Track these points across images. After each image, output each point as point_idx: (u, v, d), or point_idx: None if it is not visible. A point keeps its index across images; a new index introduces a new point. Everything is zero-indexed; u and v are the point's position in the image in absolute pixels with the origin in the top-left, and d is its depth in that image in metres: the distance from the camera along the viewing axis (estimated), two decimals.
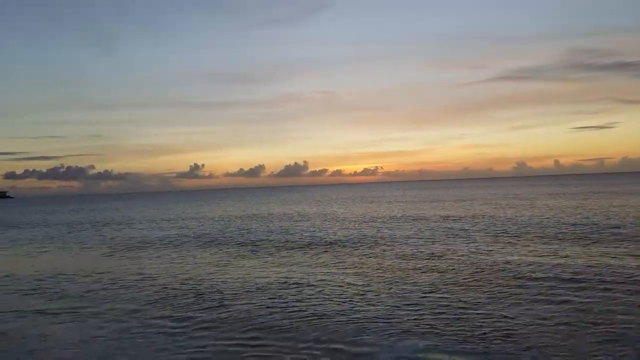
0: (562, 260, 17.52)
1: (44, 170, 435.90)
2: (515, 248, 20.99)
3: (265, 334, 10.57)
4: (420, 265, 17.75)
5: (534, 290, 13.36)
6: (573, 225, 28.51)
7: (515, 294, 13.05)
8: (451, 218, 37.52)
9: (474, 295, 13.12)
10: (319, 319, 11.47)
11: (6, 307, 13.93)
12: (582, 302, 11.96)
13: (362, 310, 12.03)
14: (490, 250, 20.57)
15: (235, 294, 14.44)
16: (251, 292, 14.61)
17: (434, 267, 17.27)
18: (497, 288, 13.77)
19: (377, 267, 17.92)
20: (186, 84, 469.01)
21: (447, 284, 14.54)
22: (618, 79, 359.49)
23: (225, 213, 57.60)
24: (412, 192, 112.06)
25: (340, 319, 11.34)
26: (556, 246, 20.94)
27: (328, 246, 24.16)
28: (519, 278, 14.92)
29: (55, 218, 62.17)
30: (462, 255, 19.49)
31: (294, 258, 20.93)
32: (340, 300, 13.19)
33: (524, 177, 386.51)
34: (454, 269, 16.84)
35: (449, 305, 12.16)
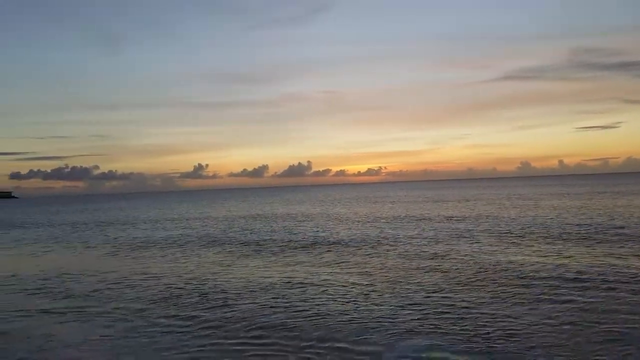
0: (566, 261, 17.49)
1: (49, 170, 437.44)
2: (519, 248, 20.97)
3: (269, 332, 10.61)
4: (423, 265, 17.75)
5: (538, 290, 13.36)
6: (577, 225, 28.45)
7: (518, 293, 13.05)
8: (455, 218, 37.49)
9: (477, 295, 13.12)
10: (322, 318, 11.50)
11: (11, 307, 14.00)
12: (585, 302, 11.95)
13: (366, 310, 12.05)
14: (494, 251, 20.56)
15: (239, 293, 14.48)
16: (255, 291, 14.65)
17: (437, 267, 17.27)
18: (501, 288, 13.76)
19: (380, 267, 17.94)
20: (190, 84, 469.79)
21: (450, 284, 14.54)
22: (622, 78, 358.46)
23: (229, 213, 57.70)
24: (416, 192, 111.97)
25: (344, 318, 11.37)
26: (560, 246, 20.90)
27: (332, 246, 24.18)
28: (522, 278, 14.91)
29: (60, 218, 62.39)
30: (466, 256, 19.48)
31: (297, 258, 20.97)
32: (344, 299, 13.22)
33: (528, 177, 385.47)
34: (457, 269, 16.84)
35: (452, 305, 12.17)
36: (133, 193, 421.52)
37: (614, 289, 13.14)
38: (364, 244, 24.55)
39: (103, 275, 18.62)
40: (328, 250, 22.73)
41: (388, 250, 21.86)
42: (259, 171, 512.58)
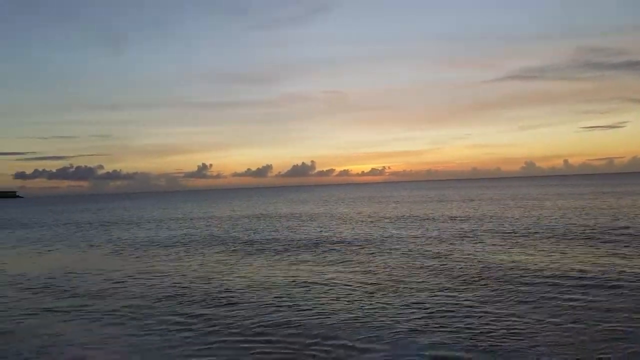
0: (570, 260, 17.47)
1: (54, 170, 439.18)
2: (523, 248, 20.95)
3: (274, 330, 10.65)
4: (427, 265, 17.76)
5: (542, 289, 13.35)
6: (581, 225, 28.39)
7: (522, 293, 13.05)
8: (458, 218, 37.46)
9: (481, 294, 13.13)
10: (327, 316, 11.53)
11: (16, 306, 14.10)
12: (589, 301, 11.94)
13: (371, 309, 12.08)
14: (498, 250, 20.55)
15: (244, 292, 14.53)
16: (259, 290, 14.69)
17: (441, 267, 17.27)
18: (505, 287, 13.76)
19: (384, 266, 17.95)
20: (193, 84, 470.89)
21: (454, 283, 14.55)
22: (627, 78, 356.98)
23: (233, 213, 57.80)
24: (420, 192, 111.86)
25: (349, 317, 11.40)
26: (564, 246, 20.87)
27: (335, 245, 24.21)
28: (526, 277, 14.90)
29: (65, 217, 62.63)
30: (470, 255, 19.48)
31: (301, 257, 21.00)
32: (348, 298, 13.25)
33: (532, 177, 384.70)
34: (461, 268, 16.84)
35: (456, 304, 12.18)
36: (137, 193, 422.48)
37: (618, 287, 13.13)
38: (367, 243, 24.56)
39: (108, 274, 18.70)
40: (332, 250, 22.75)
41: (392, 250, 21.87)
42: (263, 171, 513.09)
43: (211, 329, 11.00)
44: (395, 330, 10.31)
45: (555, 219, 32.87)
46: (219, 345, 9.89)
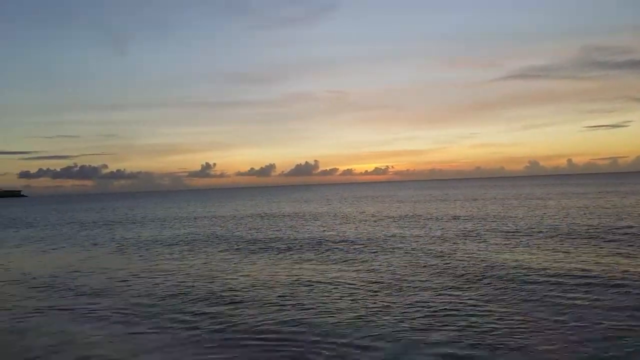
0: (573, 259, 17.46)
1: (58, 169, 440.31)
2: (527, 247, 20.94)
3: (277, 328, 10.70)
4: (430, 264, 17.78)
5: (545, 288, 13.36)
6: (585, 224, 28.34)
7: (526, 292, 13.06)
8: (462, 217, 37.43)
9: (484, 292, 13.15)
10: (330, 315, 11.57)
11: (23, 304, 14.20)
12: (593, 300, 11.95)
13: (374, 307, 12.12)
14: (502, 250, 20.55)
15: (247, 290, 14.59)
16: (262, 289, 14.75)
17: (444, 266, 17.29)
18: (509, 286, 13.77)
19: (387, 265, 17.98)
20: (198, 84, 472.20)
21: (457, 282, 14.57)
22: (632, 77, 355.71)
23: (237, 212, 57.89)
24: (423, 192, 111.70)
25: (352, 316, 11.44)
26: (568, 245, 20.85)
27: (339, 244, 24.25)
28: (529, 276, 14.90)
29: (69, 217, 62.84)
30: (473, 254, 19.49)
31: (304, 256, 21.05)
32: (351, 297, 13.29)
33: (536, 177, 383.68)
34: (464, 267, 16.85)
35: (460, 303, 12.20)
36: (141, 192, 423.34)
37: (621, 287, 13.12)
38: (371, 242, 24.60)
39: (112, 272, 18.80)
40: (335, 249, 22.79)
41: (395, 249, 21.90)
42: (266, 170, 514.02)
43: (216, 327, 11.06)
44: (399, 329, 10.35)
45: (559, 218, 32.82)
46: (224, 343, 9.95)
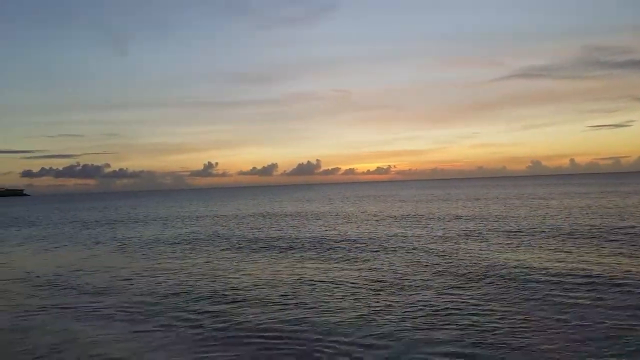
0: (575, 259, 17.46)
1: (60, 168, 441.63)
2: (529, 247, 20.94)
3: (279, 327, 10.73)
4: (432, 263, 17.80)
5: (547, 287, 13.37)
6: (587, 224, 28.33)
7: (528, 291, 13.07)
8: (464, 217, 37.43)
9: (487, 292, 13.16)
10: (332, 314, 11.61)
11: (26, 302, 14.26)
12: (595, 299, 11.97)
13: (376, 306, 12.15)
14: (504, 249, 20.55)
15: (249, 289, 14.63)
16: (265, 288, 14.79)
17: (446, 266, 17.31)
18: (511, 285, 13.78)
19: (389, 264, 18.01)
20: (200, 84, 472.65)
21: (459, 282, 14.59)
22: (634, 76, 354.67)
23: (239, 211, 57.95)
24: (425, 191, 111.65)
25: (354, 315, 11.47)
26: (570, 245, 20.85)
27: (341, 244, 24.27)
28: (531, 276, 14.90)
29: (71, 216, 62.97)
30: (475, 254, 19.50)
31: (306, 256, 21.08)
32: (353, 296, 13.32)
33: (538, 176, 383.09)
34: (466, 267, 16.86)
35: (462, 302, 12.23)
36: (143, 191, 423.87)
37: (624, 286, 13.13)
38: (373, 242, 24.62)
39: (115, 271, 18.86)
40: (337, 248, 22.82)
41: (397, 248, 21.92)
42: (268, 169, 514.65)
43: (219, 325, 11.11)
44: (401, 328, 10.38)
45: (561, 218, 32.80)
46: (228, 341, 10.00)
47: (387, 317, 11.21)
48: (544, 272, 15.39)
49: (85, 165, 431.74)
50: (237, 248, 24.49)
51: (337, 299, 13.09)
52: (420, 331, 10.13)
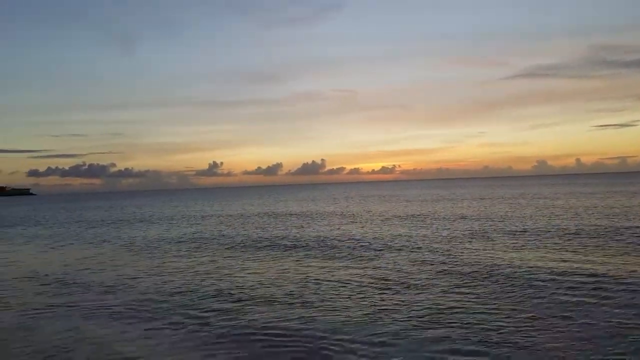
0: (581, 259, 17.44)
1: (66, 168, 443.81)
2: (535, 247, 20.92)
3: (285, 326, 10.79)
4: (437, 262, 17.82)
5: (553, 286, 13.37)
6: (593, 224, 28.25)
7: (533, 290, 13.07)
8: (469, 217, 37.39)
9: (492, 291, 13.18)
10: (338, 313, 11.66)
11: (33, 300, 14.37)
12: (601, 298, 11.96)
13: (381, 305, 12.19)
14: (509, 249, 20.54)
15: (255, 288, 14.70)
16: (270, 287, 14.85)
17: (451, 265, 17.32)
18: (516, 284, 13.78)
19: (394, 264, 18.04)
20: (205, 83, 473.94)
21: (465, 281, 14.60)
22: None
23: (244, 211, 58.07)
24: (430, 191, 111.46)
25: (359, 313, 11.52)
26: (576, 245, 20.82)
27: (346, 243, 24.31)
28: (537, 275, 14.90)
29: (77, 215, 63.26)
30: (480, 253, 19.50)
31: (312, 255, 21.14)
32: (358, 296, 13.36)
33: (544, 176, 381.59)
34: (472, 266, 16.87)
35: (467, 301, 12.25)
36: (149, 190, 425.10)
37: (630, 285, 13.12)
38: (377, 241, 24.64)
39: (121, 270, 18.98)
40: (342, 248, 22.86)
41: (402, 248, 21.94)
42: (273, 169, 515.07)
43: (226, 323, 11.17)
44: (406, 326, 10.41)
45: (567, 218, 32.72)
46: (234, 339, 10.07)
47: (393, 315, 11.25)
48: (549, 271, 15.38)
49: (91, 165, 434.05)
50: (243, 247, 24.58)
51: (343, 297, 13.14)
52: (425, 329, 10.17)
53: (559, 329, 9.91)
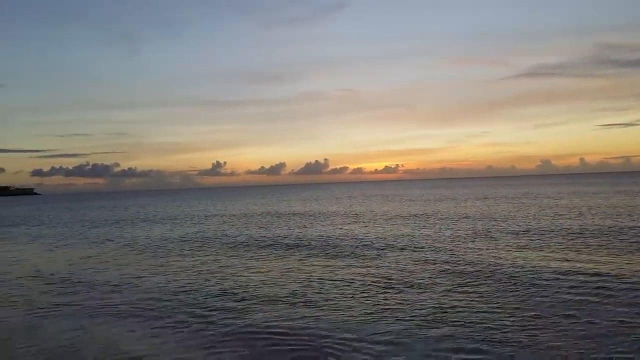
0: (585, 258, 17.44)
1: (70, 167, 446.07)
2: (538, 246, 20.91)
3: (288, 324, 10.83)
4: (440, 261, 17.84)
5: (556, 285, 13.38)
6: (597, 224, 28.22)
7: (536, 289, 13.09)
8: (472, 217, 37.37)
9: (495, 289, 13.20)
10: (341, 312, 11.70)
11: (38, 299, 14.45)
12: (604, 297, 11.96)
13: (384, 303, 12.22)
14: (512, 248, 20.54)
15: (258, 287, 14.75)
16: (273, 286, 14.90)
17: (455, 265, 17.34)
18: (519, 284, 13.80)
19: (397, 263, 18.07)
20: (207, 83, 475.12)
21: (468, 280, 14.63)
22: None
23: (247, 210, 58.15)
24: (434, 191, 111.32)
25: (362, 312, 11.56)
26: (580, 245, 20.81)
27: (349, 243, 24.35)
28: (540, 275, 14.91)
29: (81, 215, 63.46)
30: (483, 253, 19.51)
31: (314, 254, 21.18)
32: (361, 295, 13.40)
33: (547, 176, 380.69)
34: (475, 265, 16.89)
35: (470, 300, 12.27)
36: (152, 190, 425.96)
37: (633, 283, 13.12)
38: (380, 241, 24.67)
39: (125, 269, 19.06)
40: (345, 247, 22.90)
41: (405, 247, 21.97)
42: (276, 169, 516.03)
43: (230, 322, 11.23)
44: (409, 324, 10.45)
45: (571, 217, 32.69)
46: (238, 337, 10.12)
47: (396, 314, 11.29)
48: (552, 270, 15.39)
49: (94, 165, 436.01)
50: (246, 246, 24.64)
51: (346, 296, 13.18)
52: (429, 328, 10.20)
53: (562, 327, 9.93)
